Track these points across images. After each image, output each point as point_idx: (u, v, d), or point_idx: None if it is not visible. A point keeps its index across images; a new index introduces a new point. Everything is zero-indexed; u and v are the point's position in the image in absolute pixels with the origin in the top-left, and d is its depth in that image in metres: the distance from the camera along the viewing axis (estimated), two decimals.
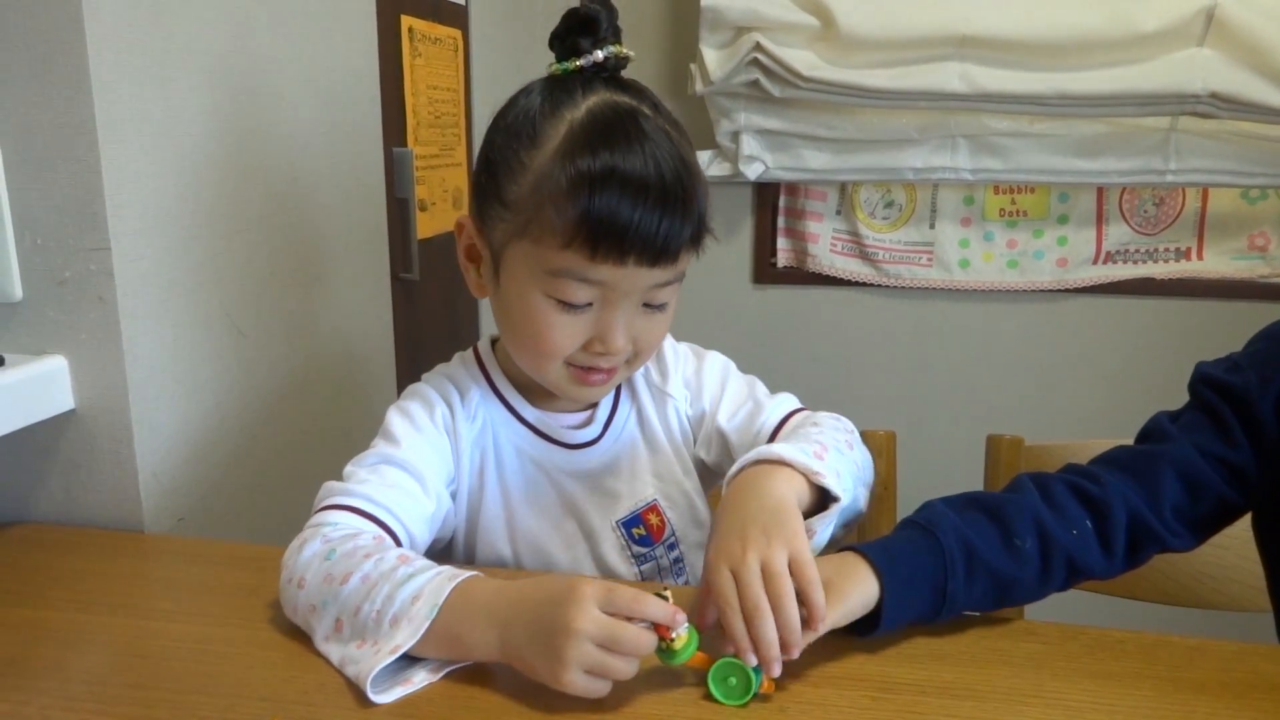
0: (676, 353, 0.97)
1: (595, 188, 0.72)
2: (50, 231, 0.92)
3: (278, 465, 1.23)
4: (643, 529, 0.92)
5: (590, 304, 0.78)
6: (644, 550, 0.92)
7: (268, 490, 1.21)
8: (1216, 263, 2.19)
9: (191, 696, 0.67)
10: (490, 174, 0.80)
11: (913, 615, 0.74)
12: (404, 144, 1.61)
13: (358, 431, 1.43)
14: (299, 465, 1.27)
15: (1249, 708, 0.68)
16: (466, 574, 0.70)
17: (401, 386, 1.57)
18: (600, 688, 0.64)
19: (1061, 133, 2.05)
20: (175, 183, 1.01)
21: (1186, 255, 2.20)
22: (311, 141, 1.27)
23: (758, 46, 1.98)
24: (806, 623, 0.66)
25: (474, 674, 0.69)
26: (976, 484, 1.17)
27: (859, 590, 0.71)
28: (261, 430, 1.19)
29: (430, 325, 1.77)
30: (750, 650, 0.65)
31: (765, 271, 2.32)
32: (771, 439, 0.89)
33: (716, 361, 0.97)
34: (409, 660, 0.69)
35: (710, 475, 0.97)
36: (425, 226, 1.70)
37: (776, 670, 0.65)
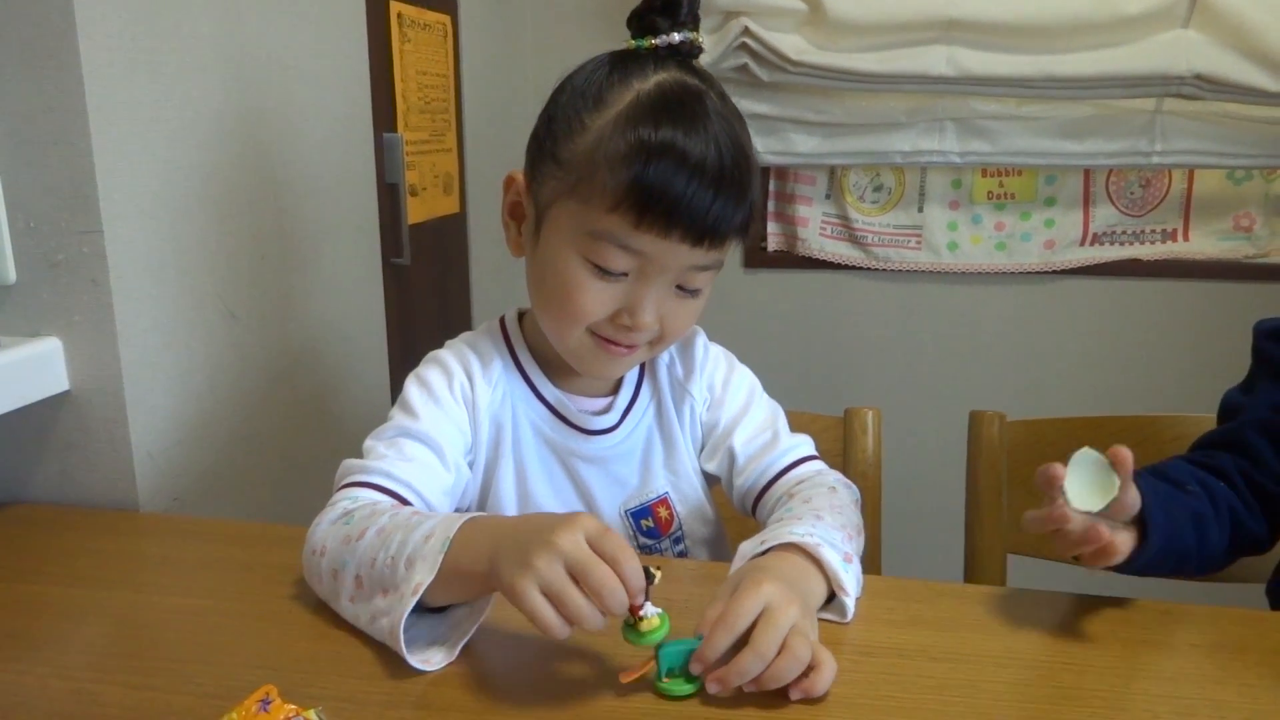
0: (707, 353, 0.96)
1: (652, 157, 0.72)
2: (43, 215, 0.93)
3: (272, 446, 1.24)
4: (651, 521, 0.92)
5: (625, 274, 0.77)
6: (650, 542, 0.93)
7: (263, 470, 1.22)
8: (1202, 243, 2.20)
9: (188, 666, 0.69)
10: (549, 130, 0.80)
11: (1161, 544, 0.76)
12: (394, 129, 1.62)
13: (350, 414, 1.45)
14: (293, 446, 1.29)
15: (1215, 667, 0.70)
16: (479, 514, 0.71)
17: (393, 370, 1.58)
18: (552, 619, 0.60)
19: (1048, 115, 2.06)
20: (166, 167, 1.02)
21: (1173, 236, 2.21)
22: (302, 126, 1.28)
23: (746, 31, 1.98)
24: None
25: (472, 669, 0.71)
26: (961, 460, 1.19)
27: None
28: (255, 411, 1.20)
29: (421, 309, 1.78)
30: (710, 667, 0.63)
31: (755, 256, 2.34)
32: (777, 479, 0.90)
33: (746, 378, 0.96)
34: (429, 640, 0.69)
35: (709, 479, 0.96)
36: (416, 211, 1.71)
37: (714, 689, 0.63)
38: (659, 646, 0.64)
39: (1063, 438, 1.19)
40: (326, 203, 1.36)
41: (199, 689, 0.66)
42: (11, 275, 0.95)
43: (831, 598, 0.75)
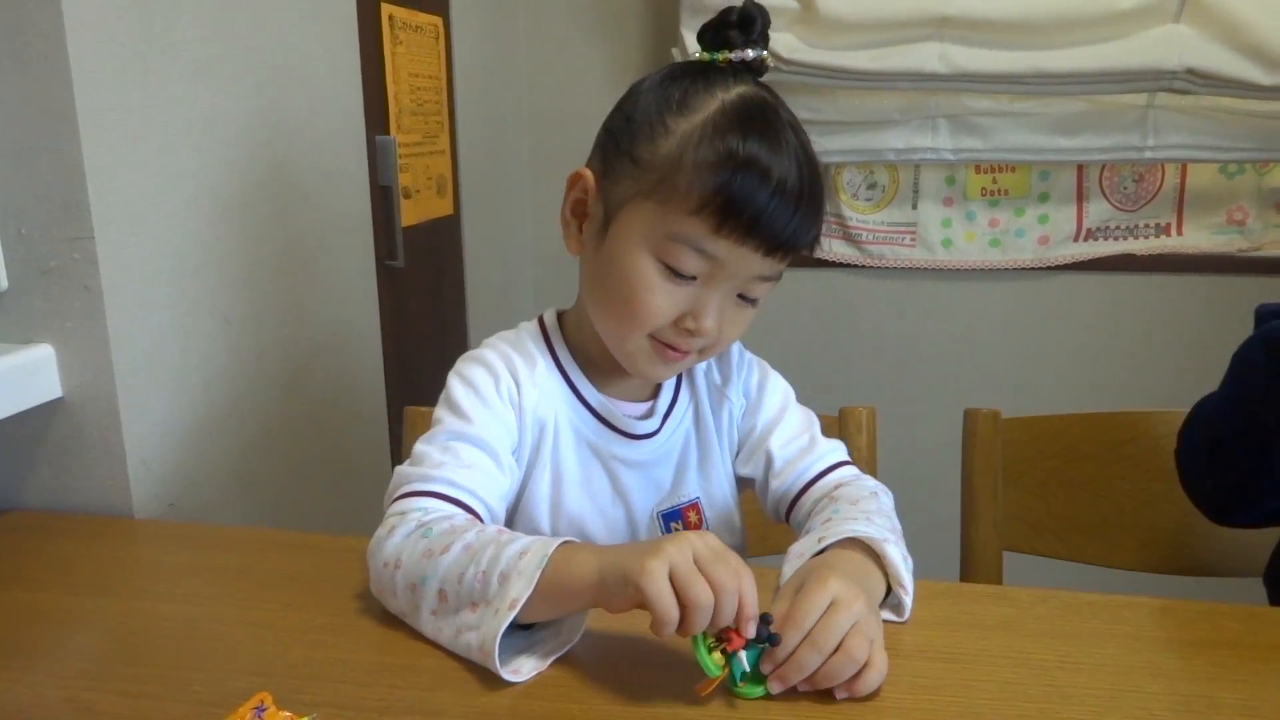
0: (743, 359, 0.96)
1: (740, 167, 0.74)
2: (34, 221, 0.93)
3: (267, 451, 1.24)
4: (680, 524, 0.92)
5: (694, 278, 0.78)
6: None
7: (258, 476, 1.22)
8: (1196, 238, 2.21)
9: (182, 673, 0.69)
10: (628, 130, 0.80)
11: None
12: (386, 132, 1.62)
13: (346, 416, 1.45)
14: (288, 451, 1.28)
15: (1211, 664, 0.70)
16: (573, 539, 0.71)
17: (389, 373, 1.58)
18: (671, 607, 0.61)
19: (1041, 111, 2.07)
20: (159, 171, 1.02)
21: (1166, 231, 2.22)
22: (294, 130, 1.28)
23: None
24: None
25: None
26: (957, 458, 1.20)
27: None
28: (250, 416, 1.20)
29: (417, 312, 1.78)
30: (776, 664, 0.65)
31: None
32: (813, 483, 0.91)
33: (780, 385, 0.97)
34: (514, 650, 0.69)
35: (741, 485, 0.97)
36: (410, 214, 1.71)
37: (775, 688, 0.65)
38: (732, 653, 0.65)
39: (1057, 435, 1.20)
40: (319, 206, 1.36)
41: (193, 696, 0.66)
42: (3, 282, 0.95)
43: (886, 596, 0.76)
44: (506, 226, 2.22)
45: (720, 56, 0.81)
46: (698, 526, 0.92)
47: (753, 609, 0.63)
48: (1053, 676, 0.68)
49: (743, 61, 0.80)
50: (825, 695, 0.65)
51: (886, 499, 0.89)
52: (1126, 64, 1.94)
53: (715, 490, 0.94)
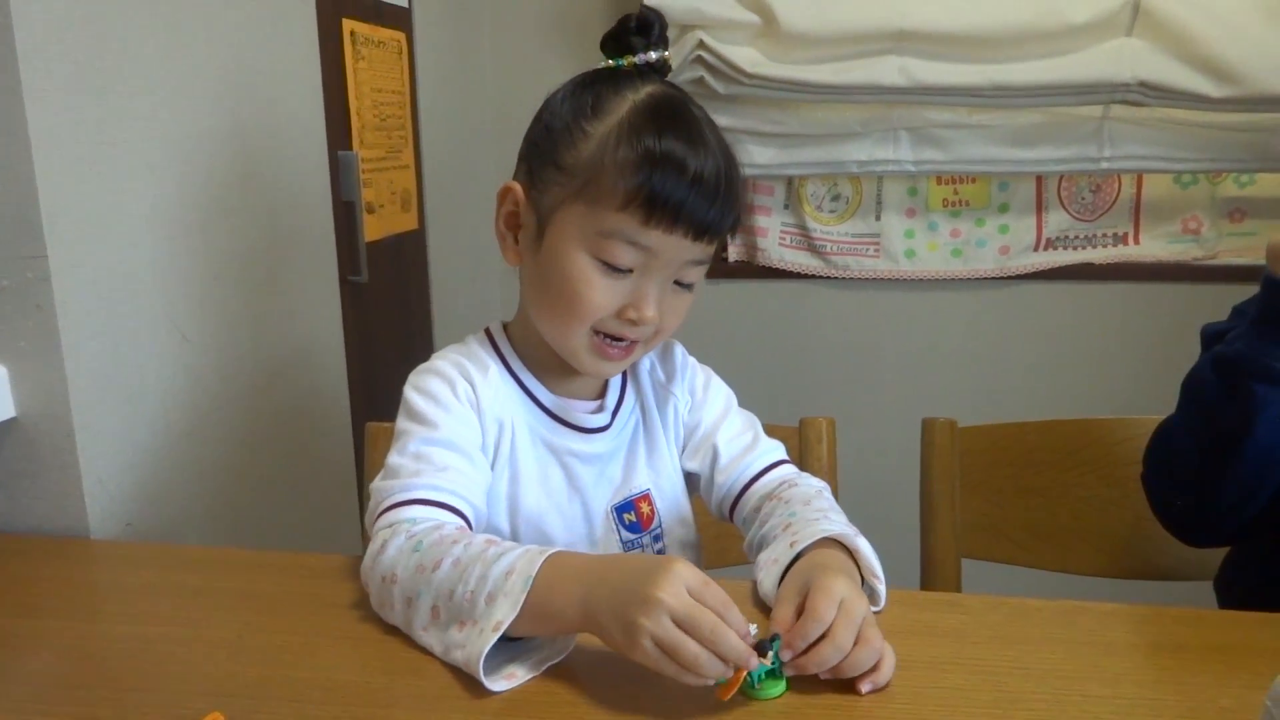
0: (687, 360, 1.01)
1: (659, 163, 0.78)
2: None
3: (228, 469, 1.23)
4: (633, 515, 0.95)
5: (630, 271, 0.82)
6: (632, 536, 0.95)
7: (218, 494, 1.21)
8: (1153, 247, 2.24)
9: (134, 695, 0.68)
10: (549, 139, 0.84)
11: None
12: (349, 147, 1.62)
13: (309, 434, 1.45)
14: (250, 469, 1.28)
15: (1153, 665, 0.72)
16: (556, 549, 0.73)
17: (353, 389, 1.58)
18: (671, 667, 0.64)
19: (999, 123, 2.10)
20: (114, 188, 1.01)
21: (1124, 240, 2.25)
22: (253, 146, 1.28)
23: (701, 44, 2.00)
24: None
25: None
26: (918, 467, 1.21)
27: None
28: (210, 434, 1.19)
29: (381, 327, 1.77)
30: (797, 658, 0.67)
31: (716, 266, 2.34)
32: (756, 480, 0.94)
33: (723, 387, 1.02)
34: (508, 656, 0.70)
35: (687, 481, 1.00)
36: (374, 229, 1.70)
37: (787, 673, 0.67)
38: None
39: (1014, 443, 1.22)
40: (281, 222, 1.36)
41: (145, 718, 0.65)
42: None
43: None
44: (473, 241, 2.22)
45: (626, 61, 0.85)
46: (650, 518, 0.95)
47: (741, 631, 0.64)
48: (1001, 682, 0.69)
49: (647, 64, 0.85)
50: (796, 701, 0.66)
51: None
52: (1081, 77, 1.98)
53: (664, 482, 0.97)
